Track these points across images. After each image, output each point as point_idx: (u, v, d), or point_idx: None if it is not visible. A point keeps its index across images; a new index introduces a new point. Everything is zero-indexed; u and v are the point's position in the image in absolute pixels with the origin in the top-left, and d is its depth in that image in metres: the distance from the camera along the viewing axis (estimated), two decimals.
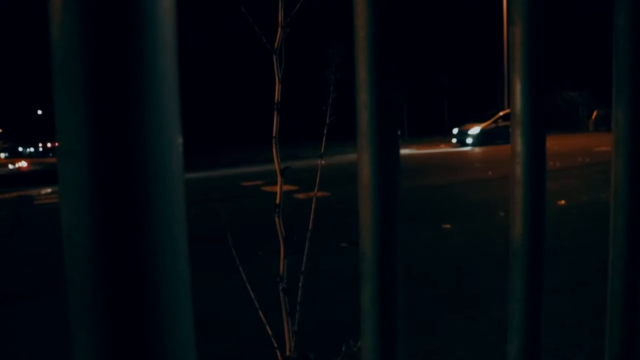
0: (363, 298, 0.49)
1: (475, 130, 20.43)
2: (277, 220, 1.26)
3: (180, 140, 0.27)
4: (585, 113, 27.87)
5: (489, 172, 10.38)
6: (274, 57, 1.22)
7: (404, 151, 19.26)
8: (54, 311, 3.67)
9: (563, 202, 6.76)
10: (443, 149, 20.74)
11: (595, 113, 26.27)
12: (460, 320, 3.17)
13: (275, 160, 1.26)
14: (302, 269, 1.34)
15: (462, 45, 34.58)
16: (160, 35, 0.24)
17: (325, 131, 1.35)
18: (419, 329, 3.04)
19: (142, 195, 0.24)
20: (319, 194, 1.34)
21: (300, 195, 8.26)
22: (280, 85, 1.23)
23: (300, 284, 1.33)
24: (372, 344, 0.50)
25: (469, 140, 20.40)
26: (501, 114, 21.20)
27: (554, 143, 17.07)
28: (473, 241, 5.10)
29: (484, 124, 20.71)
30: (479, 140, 20.22)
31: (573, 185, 8.24)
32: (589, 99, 27.94)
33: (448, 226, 5.83)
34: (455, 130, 21.68)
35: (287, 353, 1.27)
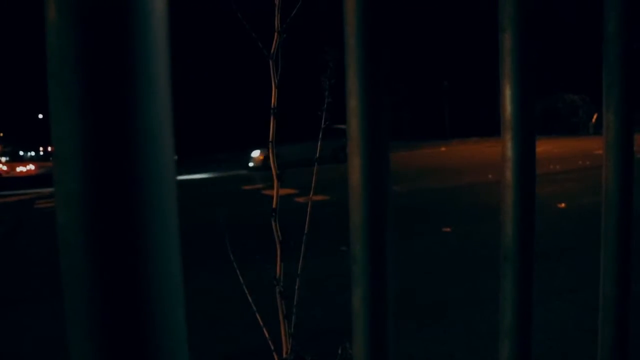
0: (354, 300, 0.50)
1: (255, 153, 17.79)
2: (273, 224, 1.26)
3: (172, 144, 0.28)
4: (585, 116, 27.84)
5: (489, 175, 10.37)
6: (271, 62, 1.23)
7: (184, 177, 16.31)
8: (56, 313, 3.67)
9: (563, 205, 6.75)
10: (234, 172, 17.58)
11: (595, 116, 26.23)
12: (460, 323, 3.17)
13: (272, 165, 1.26)
14: (299, 272, 1.34)
15: (463, 49, 34.58)
16: (153, 42, 0.25)
17: (320, 136, 1.36)
18: (418, 331, 3.04)
19: (135, 198, 0.25)
20: (318, 197, 1.34)
21: (300, 199, 8.26)
22: (276, 90, 1.24)
23: (296, 287, 1.33)
24: (363, 345, 0.51)
25: (251, 164, 17.81)
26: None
27: (554, 146, 17.05)
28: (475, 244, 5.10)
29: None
30: (262, 163, 17.36)
31: (573, 188, 8.24)
32: (589, 102, 27.93)
33: (448, 229, 5.84)
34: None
35: (284, 355, 1.28)
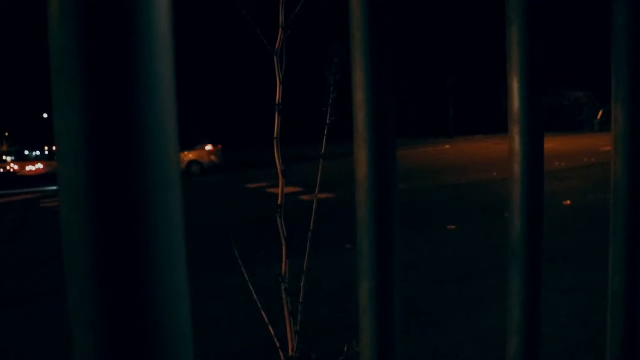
0: (360, 294, 0.50)
1: None
2: (278, 220, 1.26)
3: (175, 140, 0.27)
4: (590, 113, 27.75)
5: (494, 173, 10.35)
6: (275, 58, 1.22)
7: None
8: (60, 311, 3.69)
9: (569, 202, 6.73)
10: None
11: (600, 113, 26.15)
12: (465, 321, 3.16)
13: (277, 161, 1.26)
14: (304, 268, 1.34)
15: (468, 46, 34.47)
16: (156, 38, 0.25)
17: (325, 132, 1.35)
18: (424, 329, 3.04)
19: (139, 194, 0.25)
20: (323, 195, 1.34)
21: (305, 197, 8.27)
22: (281, 86, 1.23)
23: (302, 284, 1.33)
24: (370, 340, 0.50)
25: None
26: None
27: (559, 143, 16.99)
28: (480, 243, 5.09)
29: None
30: None
31: (579, 185, 8.21)
32: (593, 99, 27.85)
33: (453, 227, 5.82)
34: None
35: (290, 353, 1.28)
